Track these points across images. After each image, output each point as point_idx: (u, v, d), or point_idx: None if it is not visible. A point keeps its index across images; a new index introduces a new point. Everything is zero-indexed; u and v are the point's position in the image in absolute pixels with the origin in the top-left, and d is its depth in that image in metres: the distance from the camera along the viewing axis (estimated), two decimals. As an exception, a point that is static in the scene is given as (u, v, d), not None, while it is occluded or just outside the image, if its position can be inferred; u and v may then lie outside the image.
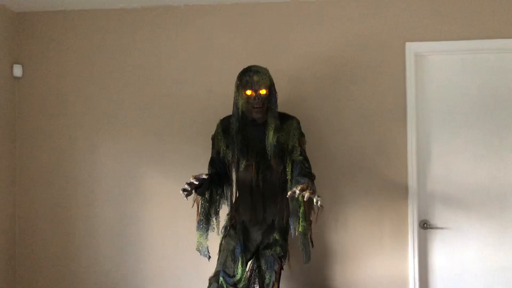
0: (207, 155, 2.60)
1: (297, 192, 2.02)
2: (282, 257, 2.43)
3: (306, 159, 2.42)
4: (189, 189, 2.20)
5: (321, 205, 2.01)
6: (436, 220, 2.90)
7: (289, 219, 2.33)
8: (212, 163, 2.52)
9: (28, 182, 3.15)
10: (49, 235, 3.11)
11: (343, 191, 2.89)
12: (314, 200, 2.01)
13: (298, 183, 2.21)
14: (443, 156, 2.91)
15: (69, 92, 3.14)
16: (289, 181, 2.41)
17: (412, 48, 2.88)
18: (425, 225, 2.88)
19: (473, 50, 2.87)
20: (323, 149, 2.88)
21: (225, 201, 2.57)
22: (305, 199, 2.02)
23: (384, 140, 2.89)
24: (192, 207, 2.45)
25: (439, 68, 2.93)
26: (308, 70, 2.94)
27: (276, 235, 2.43)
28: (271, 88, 2.41)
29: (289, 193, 2.08)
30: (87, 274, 3.08)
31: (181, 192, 2.20)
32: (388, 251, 2.86)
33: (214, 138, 2.55)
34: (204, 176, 2.23)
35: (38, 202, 3.13)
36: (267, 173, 2.45)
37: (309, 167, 2.40)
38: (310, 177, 2.30)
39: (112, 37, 3.11)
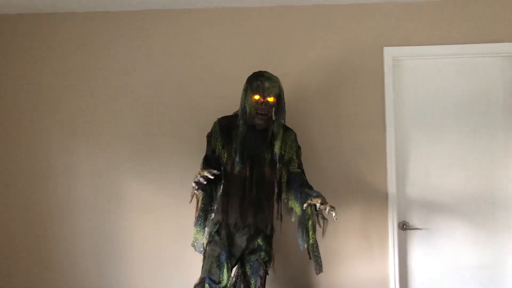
0: (195, 159, 2.56)
1: (318, 205, 2.12)
2: (267, 262, 2.44)
3: (303, 172, 2.45)
4: (204, 183, 2.14)
5: (326, 218, 2.20)
6: (415, 221, 2.93)
7: (296, 231, 2.36)
8: (207, 160, 2.42)
9: None
10: (22, 245, 2.99)
11: (325, 195, 2.73)
12: (333, 214, 2.11)
13: (308, 195, 2.26)
14: (421, 159, 2.94)
15: (43, 94, 3.03)
16: (284, 192, 2.43)
17: (390, 52, 2.90)
18: (404, 226, 2.91)
19: (450, 54, 2.90)
20: (304, 154, 2.77)
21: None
22: (326, 213, 2.11)
23: (364, 144, 2.90)
24: (190, 202, 2.34)
25: (417, 72, 2.95)
26: (289, 77, 2.92)
27: (260, 240, 2.43)
28: (279, 97, 2.39)
29: (305, 205, 2.18)
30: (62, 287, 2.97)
31: (193, 184, 2.14)
32: (370, 252, 2.88)
33: (210, 136, 2.48)
34: (216, 172, 2.17)
35: (9, 211, 3.01)
36: (260, 180, 2.43)
37: (304, 178, 2.42)
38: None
39: (91, 39, 3.03)
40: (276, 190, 2.49)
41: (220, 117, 2.50)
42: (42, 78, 3.04)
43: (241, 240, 2.43)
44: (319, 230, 2.30)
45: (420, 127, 2.94)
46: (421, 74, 2.95)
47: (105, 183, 2.97)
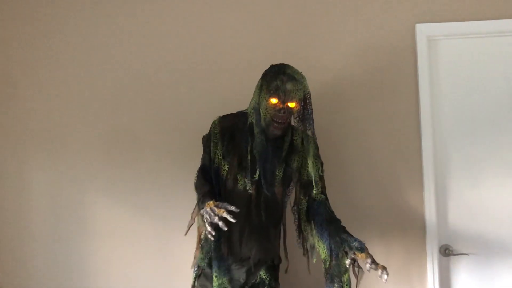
0: (181, 175, 2.43)
1: (368, 266, 1.87)
2: (272, 302, 2.19)
3: (327, 199, 2.19)
4: (225, 228, 1.85)
5: (361, 268, 1.93)
6: (460, 245, 2.64)
7: (326, 285, 2.08)
8: (204, 172, 2.17)
9: None
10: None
11: (346, 211, 2.56)
12: (385, 277, 1.85)
13: (346, 243, 1.98)
14: (467, 166, 2.66)
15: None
16: (303, 221, 2.18)
17: (423, 30, 2.63)
18: (446, 251, 2.62)
19: (499, 32, 2.63)
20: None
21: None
22: (379, 275, 1.85)
23: (394, 148, 2.64)
24: (186, 234, 2.14)
25: (458, 55, 2.68)
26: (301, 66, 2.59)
27: (263, 273, 2.16)
28: (305, 102, 2.11)
29: (347, 261, 1.93)
30: None
31: (206, 225, 1.87)
32: (405, 282, 2.60)
33: (208, 140, 2.21)
34: (236, 210, 1.87)
35: None
36: (269, 203, 2.16)
37: (331, 209, 2.16)
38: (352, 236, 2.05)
39: (53, 17, 2.73)
40: (296, 221, 2.24)
41: (220, 116, 2.23)
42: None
43: (239, 273, 2.16)
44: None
45: (465, 125, 2.68)
46: (464, 57, 2.69)
47: (69, 208, 2.70)
